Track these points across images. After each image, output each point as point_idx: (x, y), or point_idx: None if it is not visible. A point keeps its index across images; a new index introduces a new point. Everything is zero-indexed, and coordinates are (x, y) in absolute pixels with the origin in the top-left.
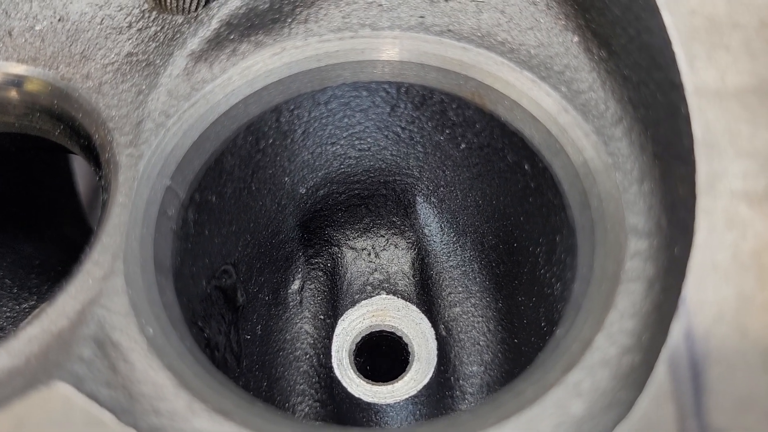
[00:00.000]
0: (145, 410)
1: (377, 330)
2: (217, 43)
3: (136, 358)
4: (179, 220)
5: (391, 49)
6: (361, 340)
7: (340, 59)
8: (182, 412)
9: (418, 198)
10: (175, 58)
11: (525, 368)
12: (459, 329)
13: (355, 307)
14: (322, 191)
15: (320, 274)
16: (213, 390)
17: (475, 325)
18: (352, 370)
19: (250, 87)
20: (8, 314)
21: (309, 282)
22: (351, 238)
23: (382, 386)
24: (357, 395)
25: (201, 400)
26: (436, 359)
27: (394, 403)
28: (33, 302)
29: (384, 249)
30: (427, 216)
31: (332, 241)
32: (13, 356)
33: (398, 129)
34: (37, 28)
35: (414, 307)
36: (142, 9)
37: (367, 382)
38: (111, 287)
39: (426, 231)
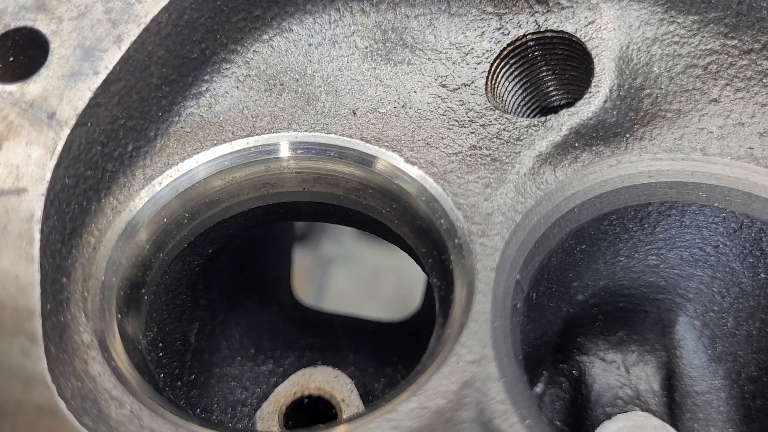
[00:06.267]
0: None
1: None
2: (563, 148)
3: None
4: (522, 315)
5: (720, 174)
6: None
7: (669, 178)
8: None
9: (681, 318)
10: (523, 158)
11: None
12: None
13: (612, 420)
14: (593, 300)
15: (563, 380)
16: None
17: None
18: None
19: (586, 194)
20: (249, 374)
21: (551, 387)
22: (602, 349)
23: None
24: None
25: None
26: None
27: None
28: (270, 365)
29: (634, 365)
30: (685, 338)
31: (582, 349)
32: (393, 428)
33: (698, 251)
34: (381, 110)
35: (672, 429)
36: (484, 107)
37: None
38: (484, 373)
39: (677, 353)
